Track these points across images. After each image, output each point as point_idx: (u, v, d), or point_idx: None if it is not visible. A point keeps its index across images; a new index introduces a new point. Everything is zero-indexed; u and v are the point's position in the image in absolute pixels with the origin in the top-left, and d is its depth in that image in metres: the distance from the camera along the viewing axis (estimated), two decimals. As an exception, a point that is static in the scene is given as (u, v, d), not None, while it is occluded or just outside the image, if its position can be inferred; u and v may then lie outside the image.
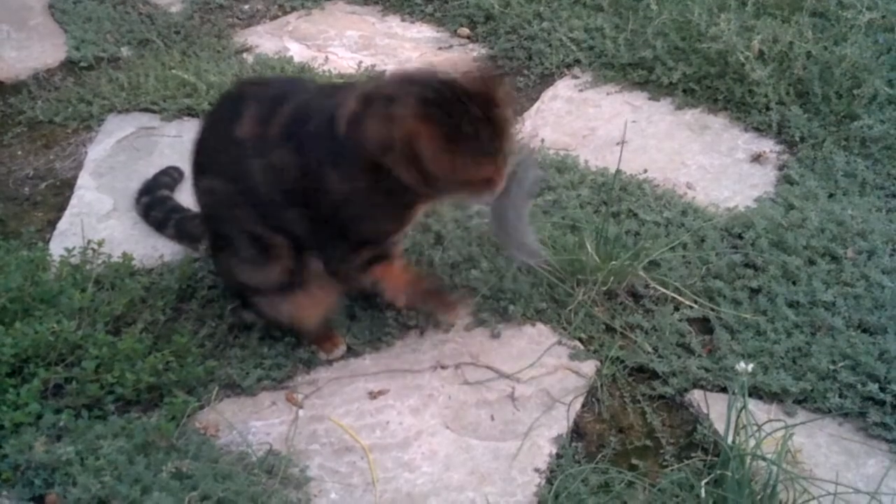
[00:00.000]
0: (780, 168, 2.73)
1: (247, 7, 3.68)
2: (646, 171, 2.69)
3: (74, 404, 1.95)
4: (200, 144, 2.06)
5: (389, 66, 3.24)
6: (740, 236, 2.42)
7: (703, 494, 1.74)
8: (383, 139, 1.67)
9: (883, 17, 3.11)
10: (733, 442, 1.74)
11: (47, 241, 2.48)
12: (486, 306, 2.24)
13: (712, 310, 2.21)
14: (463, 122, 1.63)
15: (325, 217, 1.89)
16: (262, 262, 2.01)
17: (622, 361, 2.12)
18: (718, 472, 1.78)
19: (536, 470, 1.89)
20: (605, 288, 2.24)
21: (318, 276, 2.03)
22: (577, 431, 1.99)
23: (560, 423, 1.99)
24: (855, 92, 2.83)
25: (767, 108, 2.89)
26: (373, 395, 2.05)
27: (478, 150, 1.67)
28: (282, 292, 2.04)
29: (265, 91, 2.01)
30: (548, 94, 3.10)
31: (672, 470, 1.88)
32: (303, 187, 1.87)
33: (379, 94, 1.71)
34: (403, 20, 3.58)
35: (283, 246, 1.99)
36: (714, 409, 1.96)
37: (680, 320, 2.20)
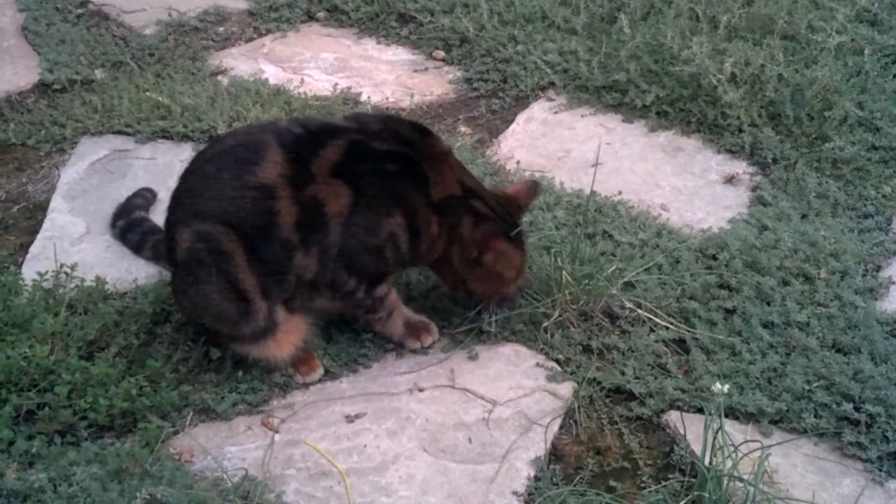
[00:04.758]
0: (753, 189, 2.76)
1: (221, 29, 3.68)
2: (620, 192, 2.71)
3: (47, 430, 1.93)
4: (193, 187, 2.05)
5: (365, 88, 3.25)
6: (714, 257, 2.43)
7: (680, 516, 1.74)
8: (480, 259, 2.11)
9: (852, 40, 3.16)
10: (710, 463, 1.75)
11: (19, 265, 2.46)
12: (462, 327, 2.24)
13: (688, 331, 2.22)
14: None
15: (352, 249, 2.03)
16: (237, 316, 2.03)
17: (599, 383, 2.12)
18: (696, 493, 1.79)
19: (514, 493, 1.88)
20: (578, 307, 2.25)
21: (285, 321, 2.08)
22: (554, 453, 1.99)
23: (538, 445, 1.99)
24: (826, 114, 2.86)
25: (740, 130, 2.92)
26: (349, 419, 2.04)
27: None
28: (253, 339, 2.06)
29: (287, 134, 2.02)
30: (523, 116, 3.12)
31: (650, 491, 1.88)
32: (342, 222, 2.00)
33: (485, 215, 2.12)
34: (379, 43, 3.59)
35: (259, 299, 2.01)
36: (691, 429, 1.97)
37: (656, 341, 2.21)
